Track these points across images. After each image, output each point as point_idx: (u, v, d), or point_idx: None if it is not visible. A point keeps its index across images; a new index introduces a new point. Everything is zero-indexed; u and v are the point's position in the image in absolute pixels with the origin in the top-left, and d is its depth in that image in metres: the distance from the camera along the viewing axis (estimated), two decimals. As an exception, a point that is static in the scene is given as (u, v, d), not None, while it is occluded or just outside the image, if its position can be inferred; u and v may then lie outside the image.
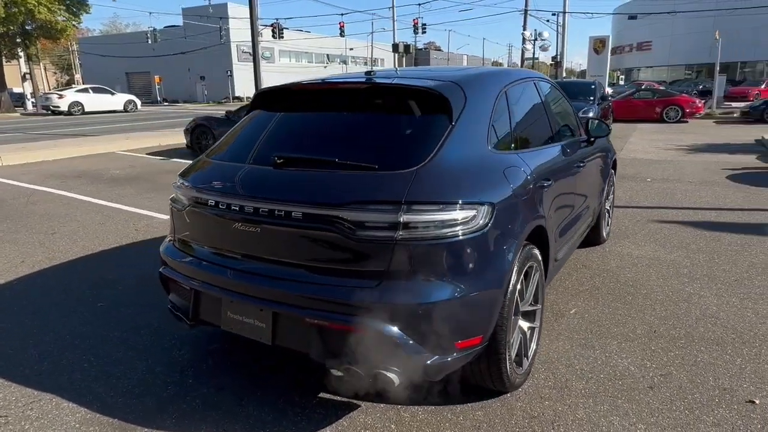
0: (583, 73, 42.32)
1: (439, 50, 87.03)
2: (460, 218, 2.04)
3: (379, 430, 2.32)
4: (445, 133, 2.26)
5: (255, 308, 2.23)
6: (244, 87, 48.02)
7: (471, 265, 2.08)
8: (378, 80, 2.64)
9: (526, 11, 31.47)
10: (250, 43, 16.06)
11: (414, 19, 33.05)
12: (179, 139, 13.31)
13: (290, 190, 2.19)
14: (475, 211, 2.08)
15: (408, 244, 1.98)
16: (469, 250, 2.06)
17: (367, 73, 2.90)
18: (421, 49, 75.51)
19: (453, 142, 2.25)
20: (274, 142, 2.51)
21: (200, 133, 10.38)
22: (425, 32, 35.32)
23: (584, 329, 3.23)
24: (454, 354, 2.10)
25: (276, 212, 2.15)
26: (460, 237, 2.03)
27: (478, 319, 2.13)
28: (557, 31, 33.32)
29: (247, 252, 2.30)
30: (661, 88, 25.68)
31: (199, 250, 2.51)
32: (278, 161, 2.27)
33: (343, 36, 34.57)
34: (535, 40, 29.83)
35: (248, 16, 15.71)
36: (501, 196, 2.25)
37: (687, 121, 19.10)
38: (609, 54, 31.63)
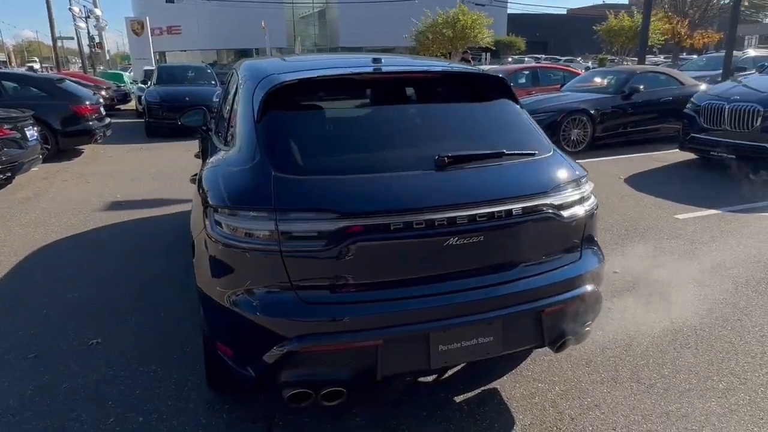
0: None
1: None
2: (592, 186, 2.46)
3: (539, 401, 2.53)
4: (528, 117, 2.54)
5: (480, 325, 2.01)
6: None
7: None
8: (454, 69, 2.53)
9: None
10: None
11: None
12: None
13: (496, 187, 2.06)
14: None
15: (589, 215, 2.29)
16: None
17: (375, 60, 2.65)
18: None
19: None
20: (400, 141, 2.15)
21: None
22: None
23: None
24: None
25: (496, 214, 1.99)
26: (596, 201, 2.45)
27: None
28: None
29: (456, 267, 2.00)
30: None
31: (377, 291, 1.93)
32: (447, 161, 2.04)
33: None
34: (88, 17, 25.97)
35: None
36: None
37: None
38: (150, 36, 31.09)
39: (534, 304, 2.08)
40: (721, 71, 13.16)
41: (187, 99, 11.30)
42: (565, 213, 2.17)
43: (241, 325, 1.95)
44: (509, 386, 2.59)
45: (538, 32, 55.32)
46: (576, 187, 2.23)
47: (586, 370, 2.70)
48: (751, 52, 15.25)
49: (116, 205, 6.09)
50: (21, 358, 2.93)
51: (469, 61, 12.47)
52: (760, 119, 6.30)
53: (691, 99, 7.48)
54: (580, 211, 2.23)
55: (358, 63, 2.66)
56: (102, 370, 2.81)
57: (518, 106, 2.52)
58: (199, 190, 2.43)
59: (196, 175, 3.17)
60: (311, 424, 2.35)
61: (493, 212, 1.99)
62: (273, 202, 1.88)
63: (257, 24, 40.36)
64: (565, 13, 71.96)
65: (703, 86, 9.50)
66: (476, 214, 1.96)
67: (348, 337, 1.87)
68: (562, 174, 2.24)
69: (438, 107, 2.40)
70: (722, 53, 17.02)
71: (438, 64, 2.80)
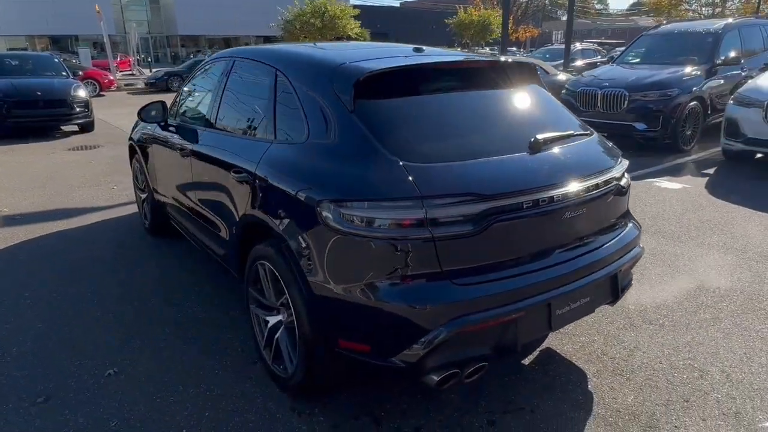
0: None
1: None
2: None
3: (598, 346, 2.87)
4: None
5: (583, 288, 2.24)
6: None
7: None
8: (507, 58, 2.67)
9: None
10: None
11: None
12: None
13: (587, 164, 2.31)
14: None
15: (629, 186, 2.65)
16: None
17: (417, 49, 2.71)
18: None
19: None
20: (491, 126, 2.31)
21: None
22: None
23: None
24: None
25: (591, 188, 2.25)
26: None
27: None
28: None
29: (566, 239, 2.22)
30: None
31: (507, 267, 2.03)
32: (540, 142, 2.23)
33: None
34: None
35: None
36: None
37: (104, 95, 19.25)
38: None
39: (615, 265, 2.38)
40: (559, 62, 15.20)
41: (39, 93, 9.74)
42: (623, 183, 2.51)
43: (387, 317, 1.94)
44: (558, 344, 2.89)
45: (378, 24, 57.39)
46: (622, 162, 2.58)
47: (607, 321, 3.11)
48: (578, 46, 17.84)
49: (9, 221, 5.13)
50: (28, 404, 2.45)
51: None
52: (626, 102, 7.52)
53: (566, 86, 8.60)
54: (626, 182, 2.58)
55: (405, 51, 2.69)
56: (143, 400, 2.49)
57: (546, 91, 2.80)
58: (262, 188, 2.33)
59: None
60: (414, 407, 2.39)
61: (589, 186, 2.24)
62: (417, 190, 1.90)
63: (76, 8, 35.60)
64: (398, 5, 75.66)
65: (561, 75, 10.93)
66: (580, 189, 2.19)
67: (498, 312, 1.98)
68: (613, 150, 2.58)
69: (501, 93, 2.54)
70: (554, 46, 19.58)
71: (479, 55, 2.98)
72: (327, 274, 2.03)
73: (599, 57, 16.28)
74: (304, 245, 2.10)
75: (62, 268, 3.99)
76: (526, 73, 2.69)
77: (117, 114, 13.65)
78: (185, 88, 3.78)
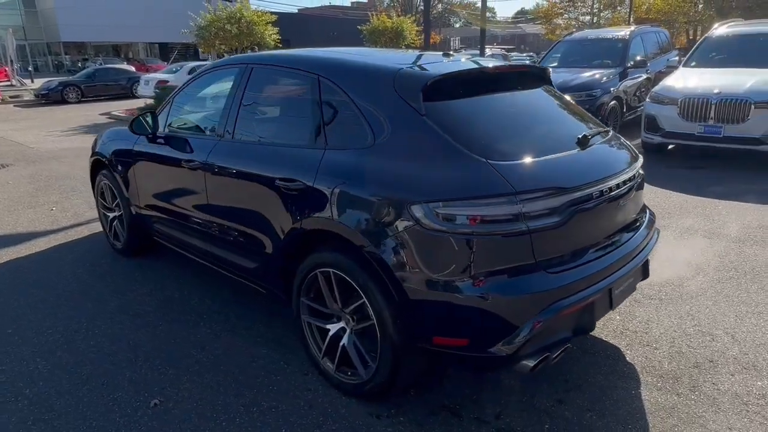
0: None
1: None
2: None
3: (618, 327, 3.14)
4: (569, 100, 3.09)
5: (632, 270, 2.47)
6: None
7: None
8: (526, 64, 2.84)
9: None
10: None
11: None
12: None
13: (623, 157, 2.55)
14: None
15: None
16: None
17: (446, 54, 2.82)
18: None
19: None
20: (541, 124, 2.51)
21: None
22: None
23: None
24: None
25: (631, 178, 2.49)
26: None
27: None
28: None
29: (618, 225, 2.44)
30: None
31: (582, 255, 2.20)
32: (588, 138, 2.44)
33: None
34: None
35: None
36: None
37: (-12, 109, 17.22)
38: None
39: (649, 247, 2.65)
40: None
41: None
42: (642, 173, 2.80)
43: (488, 310, 2.02)
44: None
45: (278, 29, 56.53)
46: (640, 156, 2.87)
47: (614, 300, 3.42)
48: (489, 51, 18.93)
49: (-56, 253, 4.50)
50: (79, 447, 2.23)
51: None
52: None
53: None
54: (643, 173, 2.88)
55: (437, 57, 2.78)
56: (207, 425, 2.36)
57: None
58: (324, 196, 2.35)
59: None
60: (484, 397, 2.49)
61: (631, 176, 2.49)
62: (511, 186, 2.00)
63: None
64: (296, 11, 75.09)
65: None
66: (626, 179, 2.43)
67: (584, 296, 2.14)
68: (630, 146, 2.86)
69: (539, 94, 2.73)
70: (462, 53, 20.56)
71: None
72: (424, 274, 2.07)
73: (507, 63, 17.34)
74: (393, 249, 2.12)
75: (37, 299, 3.60)
76: (548, 77, 2.91)
77: (15, 129, 12.37)
78: (180, 99, 3.57)
